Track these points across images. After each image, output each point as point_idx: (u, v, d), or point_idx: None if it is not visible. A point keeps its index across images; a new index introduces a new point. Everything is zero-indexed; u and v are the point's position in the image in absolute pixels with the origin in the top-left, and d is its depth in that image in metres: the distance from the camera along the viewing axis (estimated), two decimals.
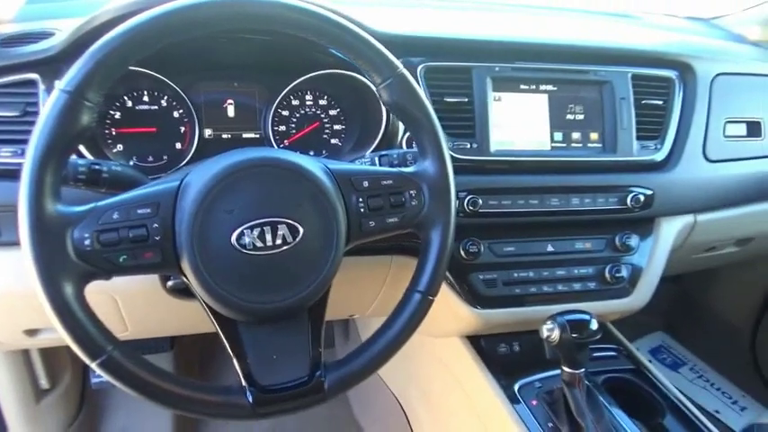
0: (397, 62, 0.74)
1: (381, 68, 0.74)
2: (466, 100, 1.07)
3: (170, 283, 0.94)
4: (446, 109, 1.05)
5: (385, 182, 0.75)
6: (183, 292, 0.96)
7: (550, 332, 0.93)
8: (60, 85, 0.64)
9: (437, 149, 0.76)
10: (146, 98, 1.04)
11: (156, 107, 1.05)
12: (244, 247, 0.67)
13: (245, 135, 1.10)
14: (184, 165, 1.03)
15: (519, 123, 1.12)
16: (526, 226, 1.11)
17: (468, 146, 1.06)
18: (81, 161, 0.76)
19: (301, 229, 0.69)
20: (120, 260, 0.65)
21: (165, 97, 1.05)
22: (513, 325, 1.13)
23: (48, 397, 1.27)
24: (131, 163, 1.04)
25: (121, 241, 0.65)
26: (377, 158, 0.88)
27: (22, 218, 0.62)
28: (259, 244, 0.67)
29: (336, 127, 1.14)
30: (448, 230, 0.77)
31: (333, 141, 1.14)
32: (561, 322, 0.93)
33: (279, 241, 0.68)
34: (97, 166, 0.77)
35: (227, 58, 1.06)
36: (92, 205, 0.66)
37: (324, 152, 1.13)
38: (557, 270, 1.11)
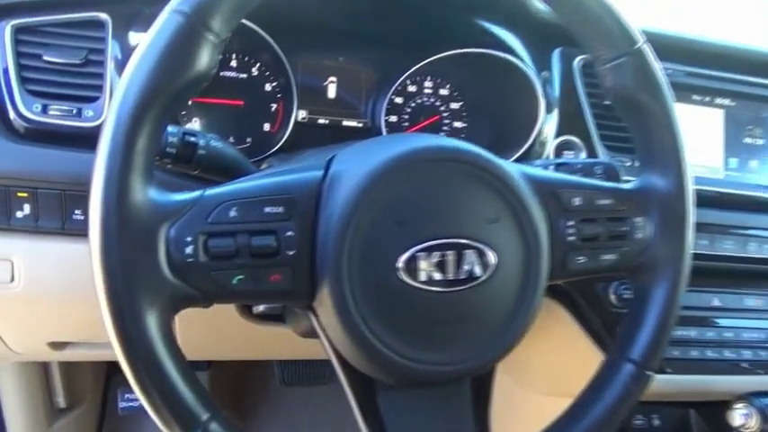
0: (639, 35, 0.52)
1: (616, 40, 0.51)
2: None
3: (260, 309, 0.71)
4: (604, 115, 0.84)
5: (602, 201, 0.52)
6: (271, 317, 0.73)
7: (746, 420, 0.69)
8: (173, 4, 0.42)
9: (676, 158, 0.53)
10: (234, 63, 0.82)
11: (244, 75, 0.83)
12: (414, 277, 0.45)
13: (345, 122, 0.88)
14: (273, 153, 0.80)
15: (688, 143, 0.89)
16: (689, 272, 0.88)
17: (628, 163, 0.84)
18: (171, 128, 0.54)
19: (494, 259, 0.46)
20: (234, 282, 0.43)
21: (258, 65, 0.83)
22: (661, 395, 0.89)
23: (63, 418, 1.05)
24: None
25: (239, 253, 0.43)
26: (551, 167, 0.65)
27: (97, 204, 0.40)
28: (436, 276, 0.45)
29: (457, 124, 0.92)
30: (680, 279, 0.54)
31: None
32: (760, 407, 0.69)
33: (464, 274, 0.46)
34: (192, 138, 0.55)
35: (336, 21, 0.84)
36: (197, 193, 0.44)
37: None
38: (723, 331, 0.87)
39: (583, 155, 0.83)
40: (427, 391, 0.50)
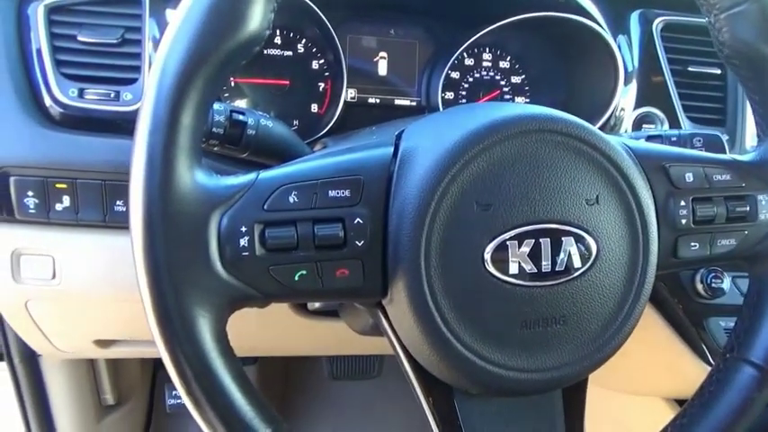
0: None
1: None
2: (718, 72, 0.76)
3: (316, 305, 0.66)
4: (688, 83, 0.75)
5: (719, 176, 0.44)
6: (326, 312, 0.67)
7: None
8: None
9: None
10: (278, 40, 0.76)
11: (290, 53, 0.77)
12: (503, 269, 0.38)
13: (398, 101, 0.81)
14: (322, 135, 0.74)
15: None
16: None
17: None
18: (217, 105, 0.48)
19: (595, 246, 0.39)
20: (296, 278, 0.37)
21: (303, 41, 0.77)
22: None
23: (111, 415, 1.02)
24: None
25: (301, 244, 0.37)
26: (642, 140, 0.57)
27: (138, 191, 0.34)
28: (528, 267, 0.38)
29: (519, 100, 0.84)
30: None
31: None
32: None
33: (560, 266, 0.39)
34: (241, 116, 0.49)
35: None
36: (252, 175, 0.38)
37: None
38: None
39: (665, 127, 0.75)
40: (514, 400, 0.43)
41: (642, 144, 0.45)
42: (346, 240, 0.37)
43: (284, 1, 0.63)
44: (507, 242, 0.38)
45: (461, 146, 0.38)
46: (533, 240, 0.38)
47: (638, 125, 0.75)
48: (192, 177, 0.35)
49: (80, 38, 0.63)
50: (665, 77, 0.74)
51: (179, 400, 0.97)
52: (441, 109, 0.78)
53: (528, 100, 0.84)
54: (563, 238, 0.39)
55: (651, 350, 0.82)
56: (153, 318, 0.35)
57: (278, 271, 0.37)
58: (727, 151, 0.56)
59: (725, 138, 0.72)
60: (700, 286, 0.74)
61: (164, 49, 0.35)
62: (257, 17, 0.36)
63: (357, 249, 0.38)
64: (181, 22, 0.35)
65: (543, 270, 0.38)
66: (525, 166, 0.39)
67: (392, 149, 0.40)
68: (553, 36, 0.76)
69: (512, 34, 0.79)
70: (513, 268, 0.38)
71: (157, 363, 1.23)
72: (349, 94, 0.80)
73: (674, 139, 0.56)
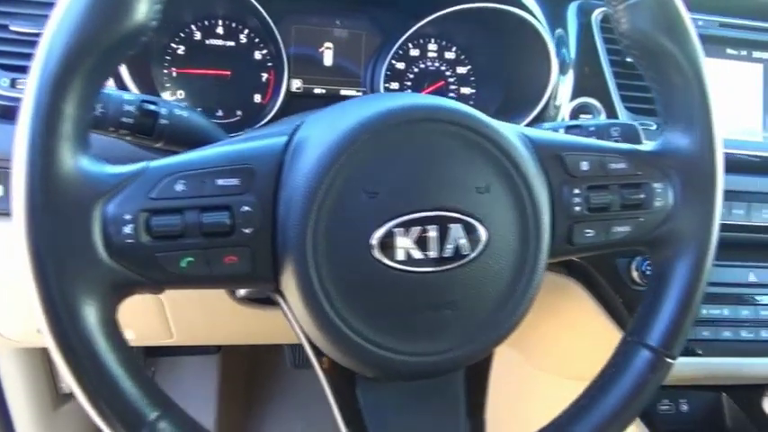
0: None
1: None
2: None
3: (242, 293, 0.67)
4: (626, 74, 0.76)
5: (614, 165, 0.45)
6: (260, 300, 0.68)
7: None
8: None
9: (702, 114, 0.46)
10: (220, 30, 0.77)
11: (232, 43, 0.77)
12: (390, 256, 0.39)
13: (343, 91, 0.82)
14: (263, 126, 0.75)
15: (721, 101, 0.80)
16: (723, 245, 0.80)
17: (654, 126, 0.76)
18: (128, 95, 0.49)
19: (484, 234, 0.40)
20: (183, 265, 0.38)
21: (246, 31, 0.78)
22: (690, 378, 0.82)
23: (69, 403, 1.03)
24: None
25: (187, 232, 0.38)
26: (562, 130, 0.58)
27: (19, 176, 0.35)
28: (417, 255, 0.39)
29: (464, 90, 0.85)
30: (705, 253, 0.47)
31: None
32: None
33: (448, 252, 0.40)
34: (152, 106, 0.49)
35: None
36: (141, 165, 0.38)
37: None
38: (761, 309, 0.79)
39: (602, 117, 0.76)
40: (413, 385, 0.45)
41: (540, 133, 0.46)
42: (234, 228, 0.38)
43: None
44: (394, 229, 0.39)
45: (349, 135, 0.39)
46: (420, 227, 0.39)
47: (575, 115, 0.76)
48: (76, 165, 0.36)
49: (12, 27, 0.63)
50: (602, 68, 0.75)
51: None
52: None
53: (473, 91, 0.85)
54: (451, 226, 0.40)
55: (590, 337, 0.84)
56: (38, 306, 0.36)
57: (164, 258, 0.38)
58: (643, 140, 0.57)
59: (653, 127, 0.74)
60: (635, 274, 0.76)
61: (47, 37, 0.36)
62: (142, 9, 0.37)
63: (245, 237, 0.38)
64: (65, 10, 0.36)
65: (431, 256, 0.39)
66: (413, 155, 0.39)
67: (286, 139, 0.41)
68: (494, 28, 0.77)
69: (457, 25, 0.80)
70: (401, 255, 0.39)
71: None
72: (294, 84, 0.81)
73: (591, 129, 0.57)
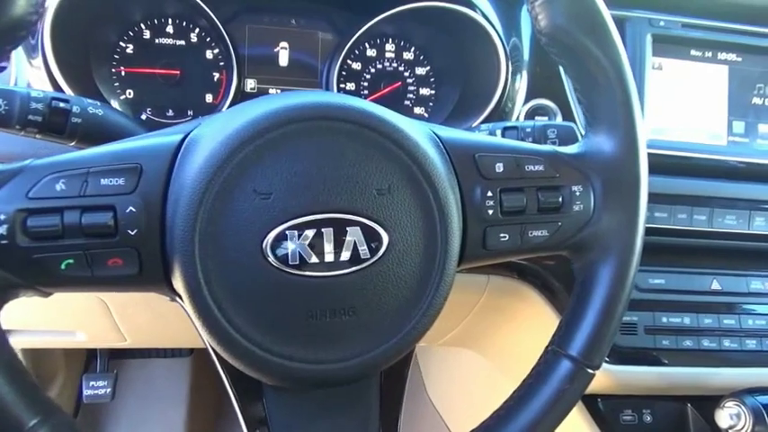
0: None
1: None
2: None
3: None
4: None
5: (531, 167, 0.43)
6: None
7: (735, 421, 0.60)
8: None
9: (624, 115, 0.44)
10: (170, 29, 0.76)
11: (183, 42, 0.76)
12: (283, 261, 0.37)
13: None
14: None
15: (685, 104, 0.79)
16: (684, 251, 0.78)
17: None
18: (35, 92, 0.48)
19: (386, 237, 0.39)
20: (63, 267, 0.37)
21: (197, 30, 0.77)
22: (652, 388, 0.80)
23: None
24: (144, 117, 0.76)
25: (66, 232, 0.36)
26: (498, 131, 0.56)
27: None
28: (311, 259, 0.38)
29: (423, 91, 0.83)
30: (629, 260, 0.45)
31: (417, 110, 0.83)
32: (754, 406, 0.60)
33: (345, 256, 0.38)
34: (63, 104, 0.48)
35: None
36: (23, 163, 0.37)
37: None
38: (723, 318, 0.77)
39: (558, 119, 0.74)
40: (322, 393, 0.43)
41: (453, 133, 0.44)
42: (117, 229, 0.37)
43: None
44: (287, 232, 0.37)
45: (240, 133, 0.37)
46: (315, 230, 0.38)
47: (530, 117, 0.74)
48: None
49: None
50: (557, 69, 0.74)
51: (96, 391, 0.97)
52: None
53: (433, 91, 0.83)
54: (348, 228, 0.38)
55: (545, 340, 0.81)
56: None
57: (43, 260, 0.36)
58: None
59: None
60: None
61: None
62: (20, 3, 0.36)
63: (130, 238, 0.37)
64: None
65: (326, 260, 0.38)
66: (309, 155, 0.38)
67: (181, 137, 0.40)
68: (449, 27, 0.75)
69: (414, 25, 0.79)
70: (294, 258, 0.37)
71: (89, 352, 1.23)
72: (249, 84, 0.79)
73: (528, 130, 0.55)
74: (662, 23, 0.77)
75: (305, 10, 0.80)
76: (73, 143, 0.49)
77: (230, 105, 0.75)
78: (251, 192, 0.37)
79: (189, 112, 0.77)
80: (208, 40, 0.77)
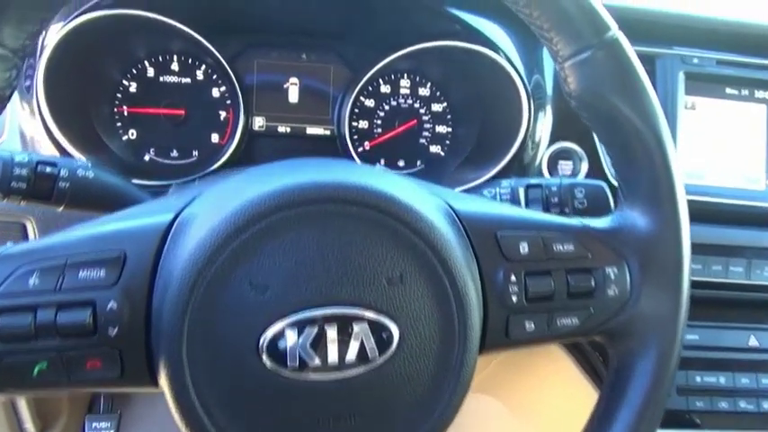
0: (609, 20, 0.38)
1: (576, 29, 0.38)
2: None
3: None
4: None
5: (560, 246, 0.39)
6: None
7: None
8: None
9: (666, 192, 0.39)
10: (175, 66, 0.73)
11: (188, 80, 0.73)
12: (281, 362, 0.33)
13: (310, 130, 0.77)
14: (220, 167, 0.70)
15: (720, 146, 0.74)
16: (720, 305, 0.73)
17: None
18: (19, 156, 0.44)
19: (396, 331, 0.35)
20: (35, 372, 0.33)
21: (203, 67, 0.73)
22: None
23: None
24: (147, 158, 0.72)
25: (40, 333, 0.32)
26: (521, 189, 0.52)
27: None
28: (313, 360, 0.33)
29: (440, 129, 0.79)
30: (671, 353, 0.40)
31: (433, 149, 0.79)
32: None
33: (351, 355, 0.34)
34: (50, 168, 0.45)
35: (294, 19, 0.73)
36: None
37: (419, 163, 0.78)
38: (762, 377, 0.72)
39: (584, 165, 0.69)
40: None
41: (471, 206, 0.39)
42: (96, 328, 0.33)
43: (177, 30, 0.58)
44: (286, 329, 0.33)
45: (235, 217, 0.33)
46: (317, 327, 0.33)
47: (554, 161, 0.70)
48: None
49: None
50: None
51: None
52: (348, 139, 0.74)
53: (449, 129, 0.79)
54: (354, 325, 0.34)
55: (568, 394, 0.77)
56: None
57: (13, 364, 0.33)
58: (612, 204, 0.51)
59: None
60: None
61: None
62: None
63: (110, 338, 0.33)
64: None
65: (330, 362, 0.34)
66: (310, 242, 0.34)
67: (172, 217, 0.36)
68: (469, 65, 0.71)
69: (431, 61, 0.75)
70: (293, 360, 0.33)
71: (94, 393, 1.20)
72: (257, 122, 0.76)
73: (554, 188, 0.50)
74: (695, 60, 0.72)
75: (316, 45, 0.76)
76: (61, 208, 0.46)
77: (237, 146, 0.71)
78: (246, 284, 0.33)
79: (194, 153, 0.74)
80: (214, 77, 0.73)
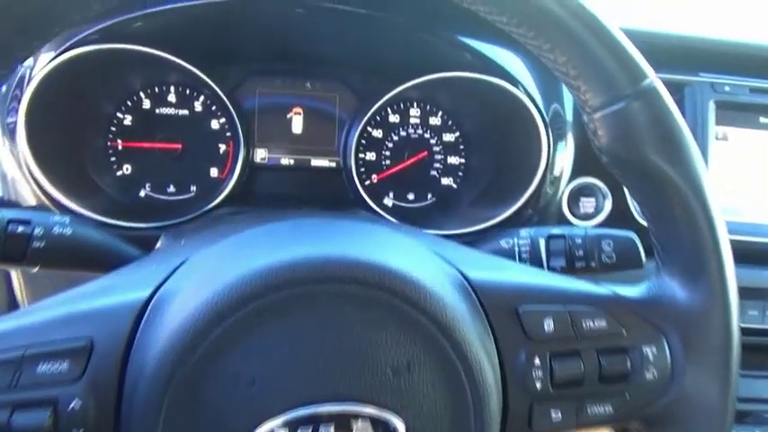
0: (646, 66, 0.33)
1: (612, 76, 0.33)
2: None
3: None
4: None
5: (590, 322, 0.34)
6: None
7: None
8: None
9: (713, 260, 0.34)
10: (172, 97, 0.69)
11: (186, 112, 0.69)
12: None
13: (315, 162, 0.73)
14: (220, 203, 0.66)
15: (754, 181, 0.68)
16: (758, 351, 0.67)
17: None
18: None
19: (402, 427, 0.30)
20: None
21: (202, 98, 0.69)
22: None
23: None
24: (142, 194, 0.69)
25: None
26: (542, 241, 0.47)
27: None
28: None
29: (452, 160, 0.75)
30: None
31: (445, 182, 0.75)
32: None
33: None
34: (22, 227, 0.41)
35: (298, 45, 0.69)
36: None
37: (429, 197, 0.74)
38: None
39: (607, 203, 0.64)
40: None
41: (489, 275, 0.35)
42: (58, 431, 0.29)
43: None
44: (277, 431, 0.29)
45: (217, 300, 0.29)
46: (311, 427, 0.29)
47: (575, 197, 0.65)
48: None
49: None
50: None
51: None
52: (354, 172, 0.69)
53: (462, 160, 0.74)
54: (354, 423, 0.29)
55: None
56: None
57: None
58: (644, 258, 0.46)
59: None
60: None
61: None
62: None
63: None
64: None
65: None
66: (303, 328, 0.29)
67: (148, 294, 0.31)
68: (484, 93, 0.67)
69: (441, 89, 0.70)
70: None
71: None
72: (258, 155, 0.72)
73: (578, 240, 0.46)
74: (726, 88, 0.67)
75: (321, 72, 0.72)
76: (36, 269, 0.42)
77: (238, 180, 0.67)
78: (231, 377, 0.29)
79: (192, 188, 0.70)
80: (213, 108, 0.70)
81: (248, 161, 0.70)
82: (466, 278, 0.34)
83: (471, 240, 0.62)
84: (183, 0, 0.55)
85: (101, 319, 0.30)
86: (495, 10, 0.32)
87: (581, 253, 0.46)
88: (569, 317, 0.34)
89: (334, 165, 0.73)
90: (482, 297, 0.34)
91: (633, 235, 0.47)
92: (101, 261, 0.43)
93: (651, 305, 0.35)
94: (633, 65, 0.33)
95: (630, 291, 0.36)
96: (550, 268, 0.46)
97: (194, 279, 0.31)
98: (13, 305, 0.55)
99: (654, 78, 0.34)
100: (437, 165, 0.74)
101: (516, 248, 0.48)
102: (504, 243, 0.48)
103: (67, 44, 0.56)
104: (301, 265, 0.30)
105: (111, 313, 0.31)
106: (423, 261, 0.33)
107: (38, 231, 0.41)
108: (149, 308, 0.31)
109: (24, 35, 0.28)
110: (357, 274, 0.30)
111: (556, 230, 0.47)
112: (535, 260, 0.46)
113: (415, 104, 0.74)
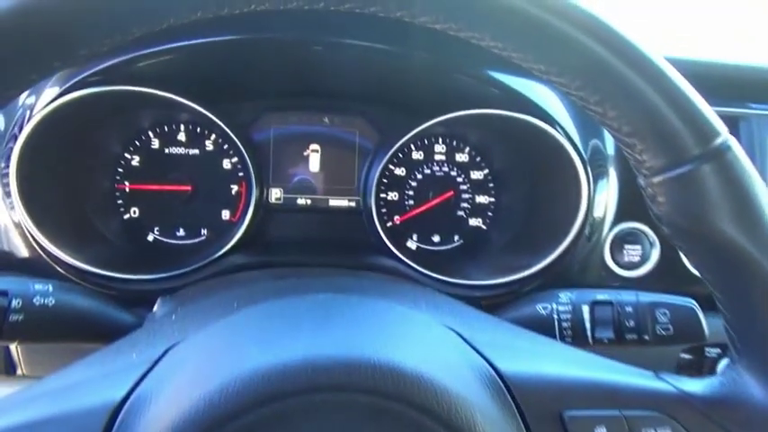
0: (718, 122, 0.28)
1: (676, 136, 0.27)
2: None
3: None
4: None
5: (653, 430, 0.28)
6: None
7: None
8: None
9: None
10: (182, 136, 0.65)
11: (196, 151, 0.65)
12: None
13: (333, 202, 0.68)
14: (231, 248, 0.61)
15: None
16: None
17: None
18: None
19: None
20: None
21: (213, 136, 0.65)
22: None
23: None
24: (151, 237, 0.65)
25: None
26: (586, 308, 0.41)
27: None
28: None
29: (481, 199, 0.69)
30: None
31: (473, 223, 0.69)
32: None
33: None
34: None
35: (316, 80, 0.65)
36: None
37: (456, 239, 0.68)
38: None
39: (654, 252, 0.58)
40: None
41: (525, 367, 0.29)
42: None
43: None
44: None
45: (204, 410, 0.24)
46: None
47: (618, 245, 0.59)
48: None
49: None
50: None
51: None
52: (374, 213, 0.64)
53: (492, 199, 0.69)
54: None
55: None
56: None
57: None
58: (706, 329, 0.39)
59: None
60: None
61: None
62: None
63: None
64: None
65: None
66: None
67: (124, 394, 0.27)
68: (510, 129, 0.61)
69: (469, 125, 0.65)
70: None
71: None
72: (273, 195, 0.68)
73: (629, 309, 0.39)
74: None
75: (340, 107, 0.68)
76: (14, 344, 0.38)
77: (250, 222, 0.63)
78: None
79: (203, 231, 0.66)
80: (225, 147, 0.65)
81: (262, 202, 0.65)
82: (498, 373, 0.29)
83: (502, 293, 0.56)
84: (190, 38, 0.51)
85: (67, 425, 0.26)
86: (530, 57, 0.27)
87: (632, 324, 0.40)
88: (626, 424, 0.28)
89: (353, 205, 0.68)
90: (519, 399, 0.28)
91: (693, 303, 0.40)
92: (87, 332, 0.39)
93: (725, 407, 0.29)
94: (702, 120, 0.27)
95: (698, 386, 0.30)
96: (596, 340, 0.40)
97: (176, 379, 0.27)
98: (10, 367, 0.51)
99: (728, 136, 0.28)
100: (464, 204, 0.69)
101: (556, 315, 0.42)
102: (541, 309, 0.43)
103: (68, 84, 0.52)
104: (303, 368, 0.25)
105: (79, 419, 0.26)
106: (446, 354, 0.28)
107: (16, 303, 0.37)
108: (121, 413, 0.26)
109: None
110: (367, 382, 0.25)
111: (601, 296, 0.41)
112: (578, 331, 0.40)
113: (440, 140, 0.69)
